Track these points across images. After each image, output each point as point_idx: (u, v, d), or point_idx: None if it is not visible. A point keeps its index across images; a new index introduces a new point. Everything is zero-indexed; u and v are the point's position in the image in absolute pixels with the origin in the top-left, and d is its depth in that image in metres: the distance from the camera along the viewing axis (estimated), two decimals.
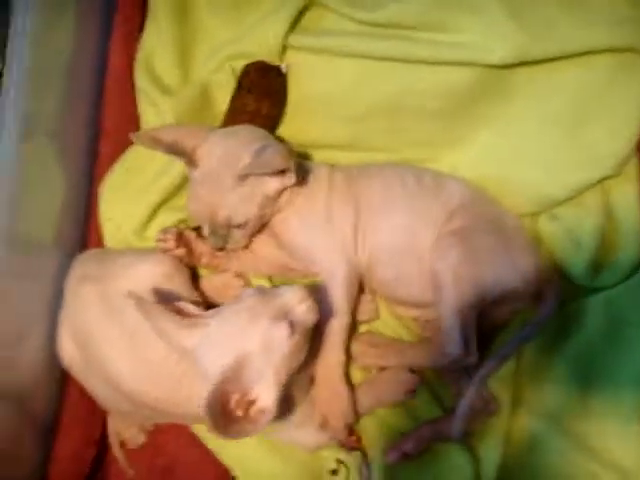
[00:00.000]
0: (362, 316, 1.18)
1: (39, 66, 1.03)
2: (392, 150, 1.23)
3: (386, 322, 1.21)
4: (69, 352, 1.03)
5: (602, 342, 1.13)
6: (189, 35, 1.23)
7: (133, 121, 1.21)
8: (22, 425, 1.05)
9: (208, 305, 1.10)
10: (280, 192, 1.07)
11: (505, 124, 1.18)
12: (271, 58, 1.16)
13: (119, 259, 1.07)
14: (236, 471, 1.11)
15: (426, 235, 1.11)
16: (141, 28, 1.24)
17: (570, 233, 1.16)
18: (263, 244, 1.14)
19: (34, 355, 1.04)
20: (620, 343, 1.12)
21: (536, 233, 1.21)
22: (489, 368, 1.10)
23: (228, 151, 1.04)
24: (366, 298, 1.19)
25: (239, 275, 1.17)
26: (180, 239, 1.10)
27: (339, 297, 1.07)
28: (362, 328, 1.19)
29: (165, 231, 1.11)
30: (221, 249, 1.09)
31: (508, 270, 1.10)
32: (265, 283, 1.18)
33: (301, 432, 1.07)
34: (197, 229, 1.14)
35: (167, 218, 1.17)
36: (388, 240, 1.11)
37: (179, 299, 0.96)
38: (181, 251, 1.10)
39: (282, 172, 1.04)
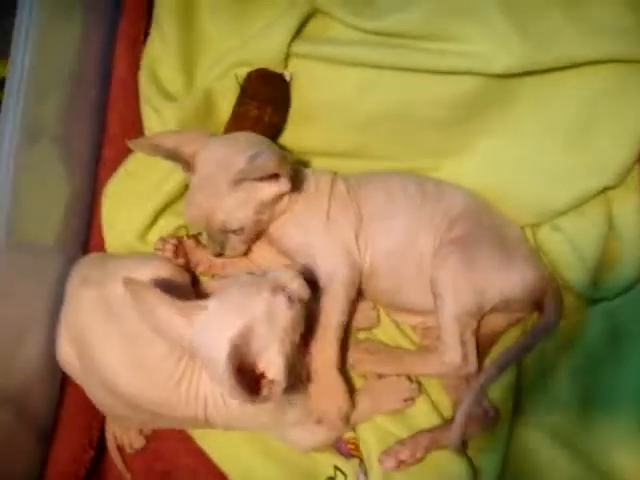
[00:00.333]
0: (363, 323, 1.18)
1: (44, 71, 1.03)
2: (395, 159, 1.23)
3: (386, 330, 1.21)
4: (68, 355, 1.04)
5: (603, 353, 1.13)
6: (193, 42, 1.24)
7: (137, 126, 1.22)
8: (20, 427, 1.06)
9: None
10: (277, 198, 1.07)
11: (508, 134, 1.18)
12: (275, 66, 1.17)
13: (119, 263, 1.07)
14: (233, 476, 1.11)
15: (427, 243, 1.11)
16: (146, 34, 1.25)
17: (572, 243, 1.16)
18: (259, 251, 1.14)
19: (33, 357, 1.05)
20: (621, 354, 1.11)
21: (538, 243, 1.21)
22: (488, 377, 1.10)
23: (224, 156, 1.05)
24: (367, 305, 1.19)
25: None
26: (179, 248, 1.11)
27: (338, 296, 1.07)
28: (361, 336, 1.19)
29: (164, 241, 1.12)
30: (220, 255, 1.09)
31: (508, 279, 1.10)
32: None
33: (297, 431, 1.07)
34: (197, 235, 1.15)
35: (168, 223, 1.18)
36: (389, 247, 1.12)
37: (178, 291, 0.95)
38: (180, 261, 1.11)
39: (277, 178, 1.03)
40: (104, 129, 1.21)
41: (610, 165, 1.12)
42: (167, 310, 0.89)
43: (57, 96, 1.12)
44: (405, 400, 1.11)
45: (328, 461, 1.10)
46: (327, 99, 1.18)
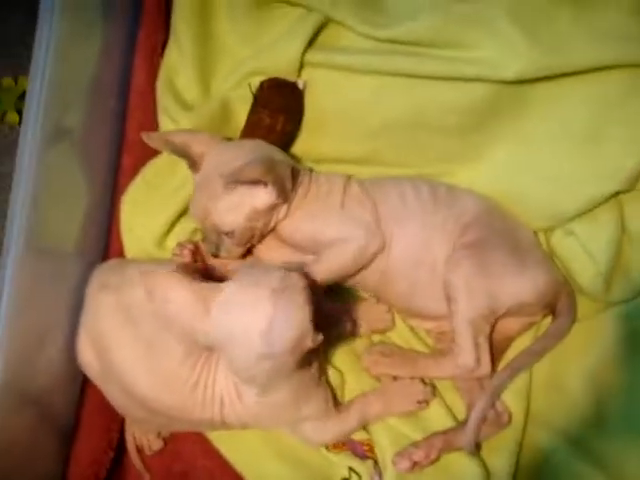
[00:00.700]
0: (377, 326, 1.20)
1: (64, 82, 1.05)
2: (407, 165, 1.25)
3: (400, 333, 1.22)
4: (88, 359, 1.06)
5: (617, 357, 1.13)
6: (209, 53, 1.26)
7: None
8: (42, 428, 1.08)
9: None
10: (271, 208, 1.08)
11: (520, 139, 1.18)
12: (289, 75, 1.19)
13: (136, 268, 1.09)
14: (248, 477, 1.12)
15: (440, 248, 1.13)
16: (164, 46, 1.27)
17: (584, 247, 1.16)
18: (268, 251, 1.16)
19: (54, 360, 1.07)
20: (636, 358, 1.12)
21: (551, 248, 1.21)
22: (502, 380, 1.12)
23: (225, 160, 1.07)
24: (382, 308, 1.20)
25: None
26: (196, 252, 1.14)
27: (342, 254, 1.10)
28: (376, 339, 1.21)
29: (182, 246, 1.14)
30: (215, 256, 1.12)
31: (521, 283, 1.11)
32: None
33: (310, 427, 1.08)
34: None
35: (183, 229, 1.21)
36: (403, 252, 1.13)
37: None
38: (199, 265, 1.13)
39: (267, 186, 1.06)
40: (123, 137, 1.24)
41: (621, 170, 1.12)
42: (183, 294, 0.91)
43: (77, 106, 1.14)
44: (419, 402, 1.12)
45: (343, 462, 1.11)
46: (340, 107, 1.20)
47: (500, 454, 1.12)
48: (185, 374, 1.00)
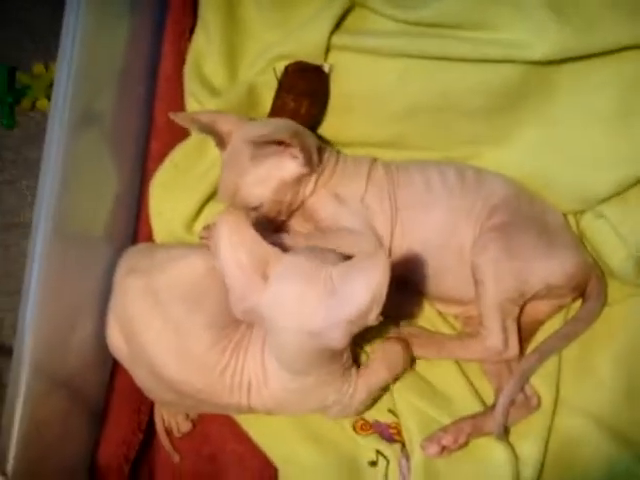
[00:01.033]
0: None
1: (91, 69, 1.06)
2: (435, 148, 1.23)
3: (428, 318, 1.21)
4: (117, 343, 1.07)
5: None
6: (237, 37, 1.26)
7: None
8: (73, 410, 1.10)
9: None
10: (299, 180, 1.09)
11: (548, 121, 1.17)
12: (315, 58, 1.18)
13: (165, 253, 1.10)
14: (276, 461, 1.13)
15: (467, 231, 1.12)
16: (192, 32, 1.28)
17: (615, 230, 1.14)
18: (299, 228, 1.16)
19: (84, 344, 1.08)
20: None
21: (581, 230, 1.20)
22: (531, 363, 1.11)
23: (252, 134, 1.07)
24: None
25: None
26: None
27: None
28: (403, 323, 1.20)
29: (208, 228, 1.14)
30: None
31: (550, 265, 1.10)
32: None
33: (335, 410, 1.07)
34: None
35: (211, 212, 1.21)
36: (428, 236, 1.12)
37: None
38: None
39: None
40: (151, 123, 1.24)
41: None
42: (243, 256, 0.91)
43: (106, 92, 1.14)
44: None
45: (370, 445, 1.11)
46: (366, 90, 1.19)
47: (529, 439, 1.10)
48: (214, 359, 1.00)
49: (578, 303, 1.17)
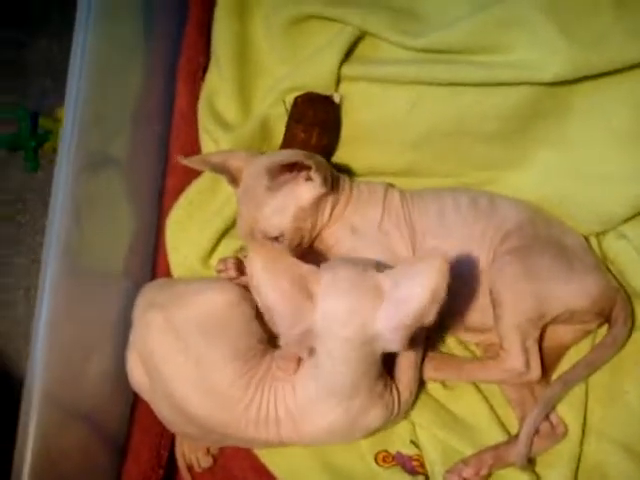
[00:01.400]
0: None
1: (105, 109, 1.10)
2: (450, 174, 1.23)
3: (448, 346, 1.19)
4: (138, 377, 1.07)
5: None
6: (249, 73, 1.28)
7: None
8: (93, 445, 1.10)
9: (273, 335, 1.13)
10: (316, 203, 1.09)
11: (564, 142, 1.15)
12: (325, 89, 1.19)
13: (184, 287, 1.10)
14: None
15: (481, 259, 1.10)
16: (205, 69, 1.30)
17: (638, 250, 1.11)
18: None
19: (102, 377, 1.09)
20: None
21: (603, 252, 1.17)
22: (556, 390, 1.08)
23: (265, 164, 1.07)
24: None
25: None
26: (240, 267, 1.13)
27: None
28: None
29: (224, 261, 1.13)
30: None
31: (570, 288, 1.07)
32: None
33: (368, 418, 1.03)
34: None
35: (227, 247, 1.21)
36: None
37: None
38: (244, 279, 1.11)
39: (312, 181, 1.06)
40: (167, 160, 1.26)
41: None
42: (283, 283, 0.91)
43: (120, 132, 1.18)
44: None
45: (393, 478, 1.09)
46: (378, 119, 1.19)
47: (556, 469, 1.07)
48: (238, 393, 1.00)
49: (605, 328, 1.13)
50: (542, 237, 1.11)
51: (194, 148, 1.26)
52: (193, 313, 1.04)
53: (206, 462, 1.16)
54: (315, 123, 1.16)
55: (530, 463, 1.06)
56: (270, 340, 1.08)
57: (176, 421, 1.06)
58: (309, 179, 1.07)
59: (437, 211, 1.14)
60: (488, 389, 1.15)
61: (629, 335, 1.12)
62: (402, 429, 1.13)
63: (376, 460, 1.11)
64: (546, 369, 1.10)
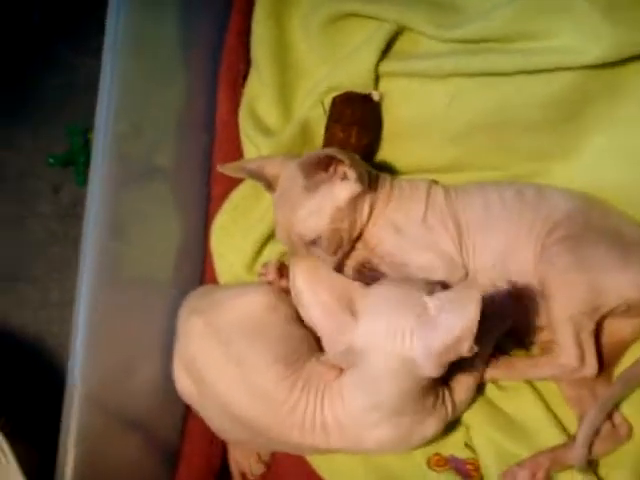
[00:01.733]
0: None
1: (146, 118, 1.12)
2: (499, 168, 1.18)
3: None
4: (185, 384, 1.07)
5: None
6: (289, 77, 1.27)
7: None
8: (146, 454, 1.12)
9: (316, 338, 1.12)
10: (353, 202, 1.06)
11: (617, 125, 1.10)
12: (364, 88, 1.17)
13: (224, 291, 1.12)
14: None
15: (527, 253, 1.06)
16: (246, 75, 1.30)
17: None
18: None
19: (149, 386, 1.10)
20: None
21: None
22: (617, 389, 1.02)
23: (298, 161, 1.06)
24: None
25: None
26: (282, 271, 1.12)
27: None
28: None
29: (266, 265, 1.14)
30: None
31: (625, 278, 1.01)
32: None
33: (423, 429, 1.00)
34: None
35: (271, 252, 1.21)
36: (487, 261, 1.07)
37: None
38: (284, 282, 1.11)
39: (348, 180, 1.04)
40: (211, 168, 1.27)
41: None
42: (326, 299, 0.91)
43: (169, 142, 1.21)
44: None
45: None
46: (419, 115, 1.17)
47: (619, 471, 1.02)
48: (282, 395, 0.99)
49: None
50: (595, 226, 1.05)
51: (236, 155, 1.27)
52: (232, 317, 1.05)
53: (258, 469, 1.15)
54: (354, 122, 1.14)
55: (591, 465, 1.01)
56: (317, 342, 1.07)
57: (224, 426, 1.07)
58: (345, 178, 1.05)
59: (482, 205, 1.10)
60: (545, 388, 1.10)
61: None
62: (456, 432, 1.09)
63: (429, 464, 1.07)
64: (606, 366, 1.05)
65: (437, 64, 1.11)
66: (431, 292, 0.90)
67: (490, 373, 1.08)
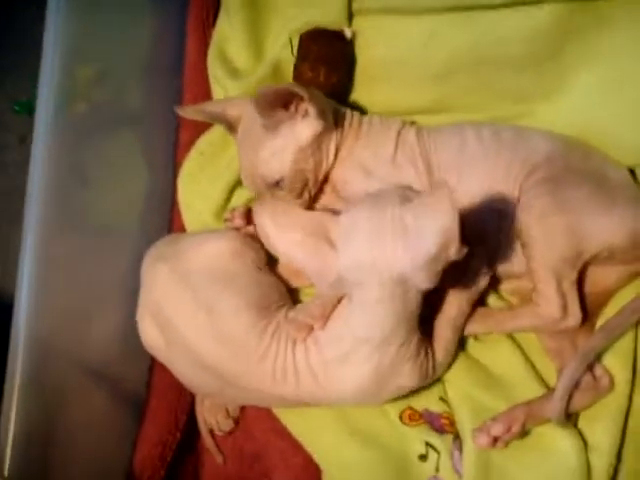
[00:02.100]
0: None
1: (119, 61, 1.11)
2: (479, 109, 1.12)
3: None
4: (151, 335, 1.03)
5: None
6: (260, 16, 1.21)
7: None
8: (113, 407, 1.09)
9: (287, 286, 1.08)
10: (317, 141, 1.00)
11: (604, 61, 1.04)
12: (338, 26, 1.10)
13: (190, 238, 1.08)
14: (317, 457, 1.04)
15: (506, 196, 1.00)
16: (215, 17, 1.24)
17: None
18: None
19: (113, 336, 1.08)
20: None
21: None
22: (598, 339, 0.97)
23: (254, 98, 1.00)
24: None
25: None
26: (249, 217, 1.08)
27: None
28: None
29: (232, 210, 1.09)
30: None
31: (609, 222, 0.95)
32: None
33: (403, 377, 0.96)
34: None
35: (239, 198, 1.16)
36: (464, 203, 1.00)
37: None
38: (251, 228, 1.07)
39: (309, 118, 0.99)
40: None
41: None
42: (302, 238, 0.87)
43: (134, 85, 1.17)
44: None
45: (419, 437, 1.00)
46: (395, 54, 1.10)
47: (601, 425, 0.97)
48: (252, 343, 0.96)
49: None
50: (577, 169, 0.99)
51: (206, 99, 1.21)
52: (198, 263, 1.01)
53: (227, 425, 1.12)
54: (321, 59, 1.08)
55: (570, 419, 0.96)
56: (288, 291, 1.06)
57: (193, 376, 1.03)
58: (306, 115, 0.99)
59: (457, 145, 1.04)
60: (524, 340, 1.05)
61: None
62: (431, 386, 1.03)
63: (401, 418, 1.03)
64: (589, 317, 1.00)
65: (413, 0, 1.05)
66: (405, 200, 0.85)
67: (469, 327, 1.02)
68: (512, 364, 1.03)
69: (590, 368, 0.97)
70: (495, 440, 0.95)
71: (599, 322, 1.01)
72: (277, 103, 0.97)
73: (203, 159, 1.17)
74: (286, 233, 0.88)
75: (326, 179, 1.06)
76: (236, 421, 1.12)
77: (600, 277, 1.01)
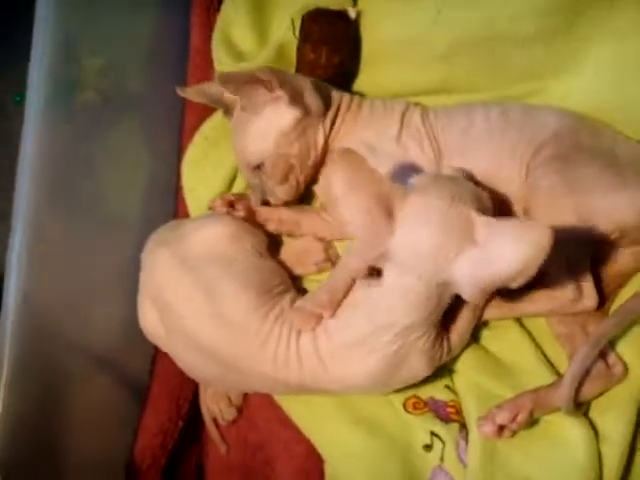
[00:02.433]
0: None
1: (124, 46, 1.10)
2: (488, 89, 1.09)
3: None
4: (151, 322, 1.03)
5: None
6: (264, 0, 1.19)
7: None
8: (115, 393, 1.08)
9: (290, 276, 1.06)
10: (301, 127, 0.98)
11: (616, 35, 0.99)
12: (341, 5, 1.08)
13: (190, 223, 1.07)
14: (319, 446, 1.02)
15: (512, 175, 0.97)
16: (220, 1, 1.23)
17: None
18: None
19: (114, 322, 1.08)
20: None
21: None
22: (610, 324, 0.92)
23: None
24: None
25: (320, 239, 1.08)
26: (235, 203, 1.06)
27: None
28: None
29: (215, 199, 1.08)
30: (266, 204, 1.04)
31: (620, 200, 0.91)
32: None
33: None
34: None
35: (239, 185, 1.15)
36: None
37: None
38: (239, 214, 1.05)
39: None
40: (185, 98, 1.17)
41: None
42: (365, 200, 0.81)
43: (139, 70, 1.16)
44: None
45: (424, 426, 0.97)
46: (401, 33, 1.07)
47: (613, 414, 0.92)
48: (254, 326, 0.94)
49: None
50: (586, 146, 0.95)
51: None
52: (197, 248, 1.00)
53: (230, 414, 1.10)
54: (322, 40, 1.06)
55: (580, 408, 0.92)
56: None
57: (194, 362, 1.01)
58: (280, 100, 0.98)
59: (463, 125, 1.01)
60: (534, 326, 1.01)
61: None
62: (435, 373, 0.99)
63: (405, 407, 0.99)
64: (603, 301, 0.95)
65: None
66: (479, 203, 0.82)
67: (484, 314, 0.98)
68: (521, 351, 0.99)
69: (603, 355, 0.93)
70: (501, 429, 0.91)
71: (614, 307, 0.97)
72: (253, 84, 0.96)
73: (207, 144, 1.16)
74: (355, 193, 0.81)
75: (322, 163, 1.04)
76: (239, 410, 1.10)
77: (613, 258, 0.96)
